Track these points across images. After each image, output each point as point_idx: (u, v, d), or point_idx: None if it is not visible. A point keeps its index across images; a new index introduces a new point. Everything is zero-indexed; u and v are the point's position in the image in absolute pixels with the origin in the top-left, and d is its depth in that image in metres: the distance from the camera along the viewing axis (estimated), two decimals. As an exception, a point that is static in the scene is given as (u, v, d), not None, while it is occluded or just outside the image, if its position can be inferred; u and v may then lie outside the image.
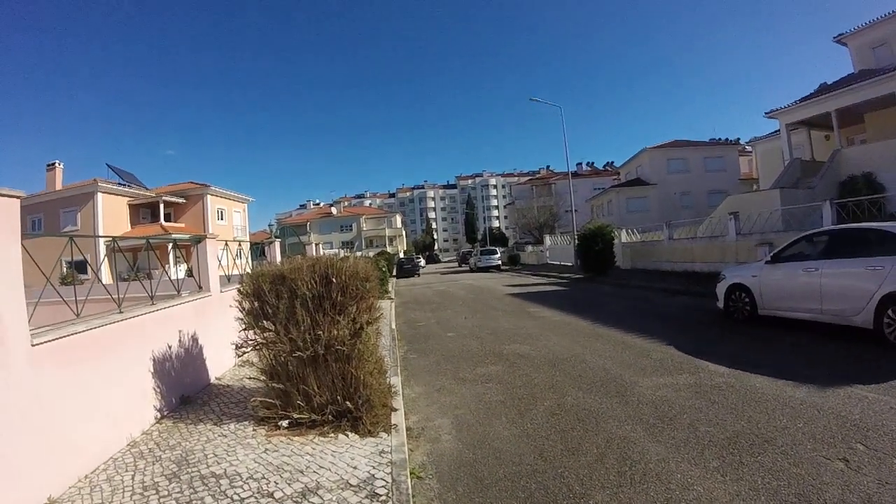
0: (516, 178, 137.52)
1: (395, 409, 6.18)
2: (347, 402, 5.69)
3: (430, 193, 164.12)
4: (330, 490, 4.19)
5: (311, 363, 5.75)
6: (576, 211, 37.88)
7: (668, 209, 44.97)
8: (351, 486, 4.26)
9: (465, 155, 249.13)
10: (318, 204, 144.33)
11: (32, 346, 4.38)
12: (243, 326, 6.24)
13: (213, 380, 8.33)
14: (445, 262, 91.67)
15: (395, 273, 45.30)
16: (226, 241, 10.95)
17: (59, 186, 42.63)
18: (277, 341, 5.81)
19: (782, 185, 26.18)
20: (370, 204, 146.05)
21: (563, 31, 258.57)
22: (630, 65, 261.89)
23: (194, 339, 7.83)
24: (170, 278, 8.87)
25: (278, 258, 15.02)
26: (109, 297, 6.40)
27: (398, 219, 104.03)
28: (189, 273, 10.44)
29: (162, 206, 44.67)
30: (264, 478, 4.49)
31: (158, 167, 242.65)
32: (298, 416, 5.72)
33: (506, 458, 4.99)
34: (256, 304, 6.11)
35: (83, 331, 5.20)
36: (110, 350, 5.67)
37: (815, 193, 23.52)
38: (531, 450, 5.12)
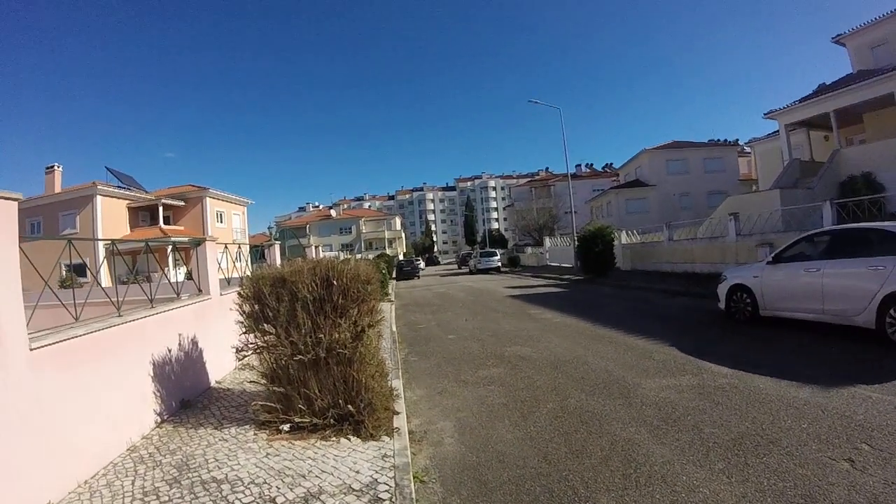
0: (515, 180, 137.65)
1: (397, 413, 6.14)
2: (349, 406, 5.65)
3: (430, 195, 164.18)
4: (333, 495, 4.16)
5: (313, 366, 5.72)
6: (575, 212, 37.78)
7: (668, 210, 44.95)
8: (354, 490, 4.23)
9: (464, 157, 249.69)
10: (317, 206, 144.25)
11: (31, 349, 4.35)
12: (244, 329, 6.20)
13: (213, 383, 8.29)
14: (445, 264, 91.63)
15: (394, 275, 45.33)
16: (225, 243, 10.91)
17: (58, 189, 42.54)
18: (278, 344, 5.78)
19: (782, 186, 26.17)
20: (369, 206, 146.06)
21: (563, 31, 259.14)
22: (629, 65, 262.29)
23: (194, 342, 7.80)
24: (169, 281, 8.83)
25: (278, 261, 14.99)
26: (108, 300, 6.36)
27: (397, 221, 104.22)
28: (189, 276, 10.40)
29: (161, 208, 44.60)
30: (266, 483, 4.45)
31: (158, 170, 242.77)
32: (300, 419, 5.68)
33: (509, 461, 4.95)
34: (257, 307, 6.08)
35: (82, 334, 5.17)
36: (110, 354, 5.64)
37: (814, 194, 23.51)
38: (535, 453, 5.08)
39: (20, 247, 4.43)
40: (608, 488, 4.19)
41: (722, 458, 4.54)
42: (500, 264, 46.81)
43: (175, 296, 8.31)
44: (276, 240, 29.83)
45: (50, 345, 4.63)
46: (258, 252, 17.42)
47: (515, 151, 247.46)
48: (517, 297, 20.71)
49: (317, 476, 4.54)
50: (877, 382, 6.22)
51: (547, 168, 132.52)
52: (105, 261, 25.94)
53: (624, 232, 32.13)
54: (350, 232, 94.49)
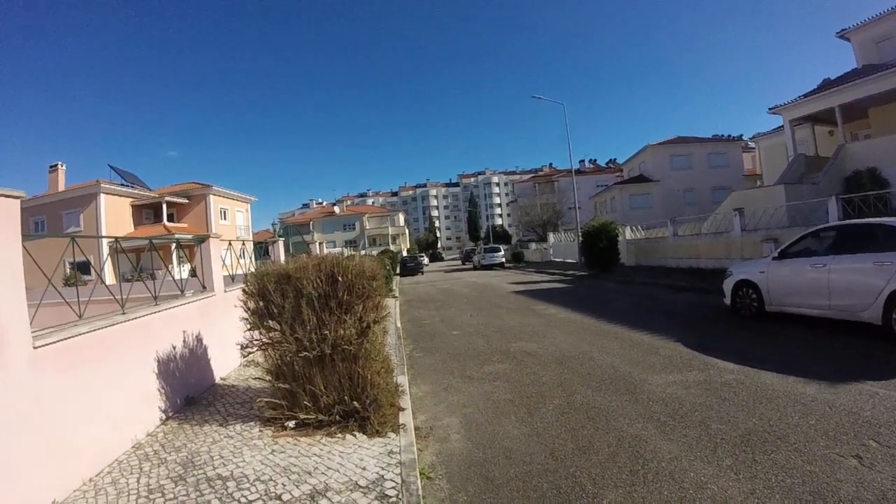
0: (519, 176, 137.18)
1: (403, 409, 6.13)
2: (355, 402, 5.63)
3: (433, 192, 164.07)
4: (339, 492, 4.14)
5: (318, 363, 5.70)
6: (579, 208, 37.73)
7: (672, 206, 44.79)
8: (360, 487, 4.21)
9: (467, 153, 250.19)
10: (320, 203, 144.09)
11: (34, 348, 4.34)
12: (248, 326, 6.18)
13: (217, 380, 8.28)
14: (449, 260, 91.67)
15: (398, 271, 45.34)
16: (229, 240, 10.91)
17: (61, 188, 42.63)
18: (283, 341, 5.77)
19: (787, 181, 26.06)
20: (373, 203, 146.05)
21: (564, 31, 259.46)
22: (631, 64, 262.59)
23: (199, 339, 7.79)
24: (173, 278, 8.83)
25: (282, 257, 14.99)
26: (113, 298, 6.35)
27: (401, 217, 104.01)
28: (193, 273, 10.40)
29: (165, 206, 44.68)
30: (272, 479, 4.44)
31: (161, 168, 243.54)
32: (305, 416, 5.67)
33: (516, 457, 4.94)
34: (261, 303, 6.06)
35: (86, 332, 5.16)
36: (114, 351, 5.63)
37: (819, 189, 23.41)
38: (542, 449, 5.07)
39: (23, 245, 4.41)
40: (616, 485, 4.17)
41: (730, 455, 4.52)
42: (503, 260, 46.76)
43: (179, 293, 8.30)
44: (279, 236, 29.80)
45: (53, 343, 4.62)
46: (262, 249, 17.43)
47: (518, 148, 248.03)
48: (521, 293, 20.66)
49: (323, 473, 4.53)
50: (884, 378, 6.18)
51: (550, 164, 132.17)
52: (109, 258, 25.94)
53: (628, 227, 32.06)
54: (354, 228, 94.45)
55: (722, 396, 6.07)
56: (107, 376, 5.42)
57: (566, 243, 44.76)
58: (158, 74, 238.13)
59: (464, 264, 61.68)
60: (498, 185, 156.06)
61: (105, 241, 32.75)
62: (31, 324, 4.43)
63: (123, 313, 6.13)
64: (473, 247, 72.79)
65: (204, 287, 9.10)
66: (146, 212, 45.59)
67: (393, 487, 4.17)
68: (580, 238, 29.30)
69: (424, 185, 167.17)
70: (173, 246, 30.02)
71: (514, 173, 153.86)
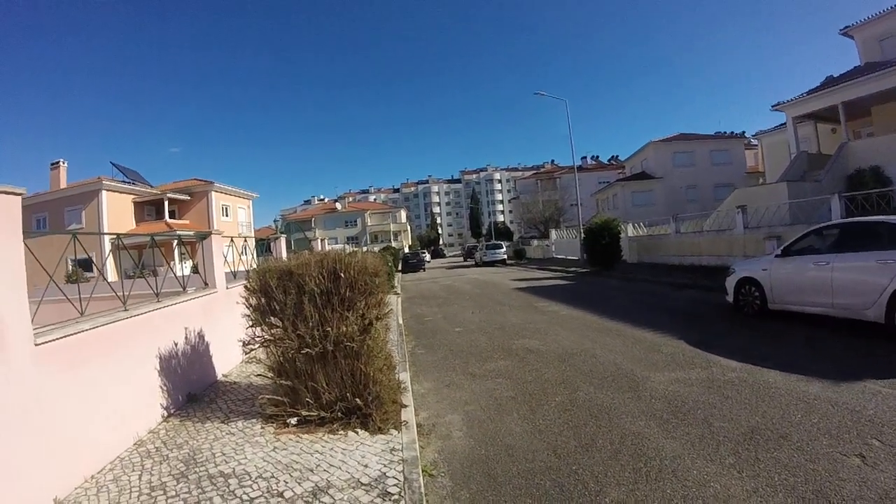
0: (521, 173, 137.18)
1: (405, 406, 6.12)
2: (357, 399, 5.63)
3: (435, 188, 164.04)
4: (341, 489, 4.14)
5: (320, 360, 5.70)
6: (581, 205, 37.66)
7: (674, 203, 44.72)
8: (362, 484, 4.21)
9: (469, 150, 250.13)
10: (322, 199, 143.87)
11: (36, 345, 4.34)
12: (250, 323, 6.18)
13: (219, 377, 8.29)
14: (450, 256, 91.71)
15: (400, 268, 45.38)
16: (231, 237, 10.90)
17: (63, 185, 42.66)
18: (285, 338, 5.76)
19: (789, 179, 25.98)
20: (375, 199, 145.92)
21: (564, 30, 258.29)
22: (633, 62, 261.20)
23: (201, 335, 7.79)
24: (175, 275, 8.83)
25: (284, 254, 14.99)
26: (114, 294, 6.35)
27: (403, 214, 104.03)
28: (195, 270, 10.40)
29: (167, 203, 44.71)
30: (274, 477, 4.44)
31: (163, 165, 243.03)
32: (307, 413, 5.67)
33: (519, 454, 4.93)
34: (263, 300, 6.05)
35: (87, 329, 5.16)
36: (115, 348, 5.63)
37: (822, 187, 23.35)
38: (544, 446, 5.06)
39: (24, 242, 4.41)
40: (618, 482, 4.16)
41: (732, 453, 4.51)
42: (505, 257, 46.82)
43: (181, 290, 8.30)
44: (281, 233, 29.80)
45: (55, 340, 4.62)
46: (264, 245, 17.43)
47: (520, 145, 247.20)
48: (523, 290, 20.65)
49: (325, 470, 4.53)
50: (887, 377, 6.16)
51: (552, 160, 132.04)
52: (111, 255, 25.92)
53: (630, 224, 32.03)
54: (355, 225, 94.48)
55: (725, 394, 6.06)
56: (109, 373, 5.42)
57: (568, 240, 44.76)
58: (160, 72, 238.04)
59: (465, 261, 61.76)
60: (500, 181, 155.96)
61: (107, 238, 32.77)
62: (32, 321, 4.43)
63: (125, 310, 6.13)
64: (475, 243, 72.67)
65: (206, 284, 9.10)
66: (148, 209, 45.61)
67: (395, 485, 4.17)
68: (582, 235, 29.24)
69: (426, 182, 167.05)
70: (175, 243, 30.04)
71: (516, 170, 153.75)
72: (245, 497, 4.11)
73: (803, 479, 3.94)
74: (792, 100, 29.15)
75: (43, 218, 41.04)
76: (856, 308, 8.39)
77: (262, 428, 5.77)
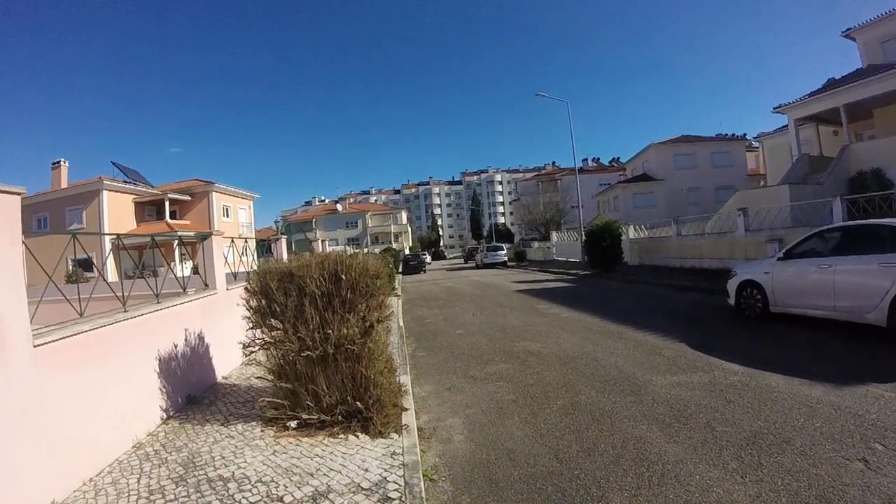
0: (522, 175, 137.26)
1: (406, 409, 6.09)
2: (357, 403, 5.60)
3: (436, 190, 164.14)
4: (341, 494, 4.11)
5: (321, 362, 5.67)
6: (582, 207, 37.65)
7: (675, 205, 44.70)
8: (363, 489, 4.18)
9: (469, 152, 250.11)
10: (323, 200, 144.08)
11: (34, 346, 4.31)
12: (250, 325, 6.15)
13: (219, 379, 8.26)
14: (451, 258, 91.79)
15: (400, 270, 45.41)
16: (231, 238, 10.88)
17: (64, 185, 42.66)
18: (286, 340, 5.73)
19: (791, 181, 26.00)
20: (375, 200, 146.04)
21: (564, 30, 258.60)
22: (633, 63, 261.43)
23: (200, 337, 7.77)
24: (175, 276, 8.80)
25: (285, 255, 14.97)
26: (114, 295, 6.33)
27: (404, 215, 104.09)
28: (195, 271, 10.38)
29: (167, 203, 44.70)
30: (273, 481, 4.41)
31: (164, 165, 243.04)
32: (307, 416, 5.64)
33: (520, 459, 4.90)
34: (264, 301, 6.03)
35: (87, 330, 5.13)
36: (115, 350, 5.61)
37: (823, 189, 23.35)
38: (546, 450, 5.03)
39: (23, 242, 4.39)
40: (621, 487, 4.13)
41: (735, 458, 4.48)
42: (506, 259, 46.76)
43: (181, 290, 8.28)
44: (282, 234, 29.79)
45: (53, 341, 4.60)
46: (265, 246, 17.42)
47: (521, 146, 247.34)
48: (524, 292, 20.62)
49: (325, 474, 4.50)
50: (889, 381, 6.15)
51: (553, 162, 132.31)
52: (111, 254, 25.94)
53: (631, 227, 32.00)
54: (356, 226, 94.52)
55: (727, 398, 6.03)
56: (108, 375, 5.40)
57: (569, 242, 44.74)
58: (160, 71, 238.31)
59: (466, 263, 61.68)
60: (501, 183, 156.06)
61: (107, 238, 32.77)
62: (31, 321, 4.40)
63: (125, 311, 6.11)
64: (476, 245, 72.67)
65: (206, 285, 9.07)
66: (149, 209, 45.60)
67: (396, 490, 4.13)
68: (583, 237, 29.22)
69: (427, 183, 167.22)
70: (175, 243, 30.05)
71: (517, 171, 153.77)
72: (244, 501, 4.08)
73: (806, 484, 3.92)
74: (793, 102, 29.16)
75: (44, 217, 41.02)
76: (858, 311, 8.38)
77: (262, 431, 5.74)
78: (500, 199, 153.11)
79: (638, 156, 57.06)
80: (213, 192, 47.24)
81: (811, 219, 19.20)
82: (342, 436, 5.44)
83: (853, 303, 8.46)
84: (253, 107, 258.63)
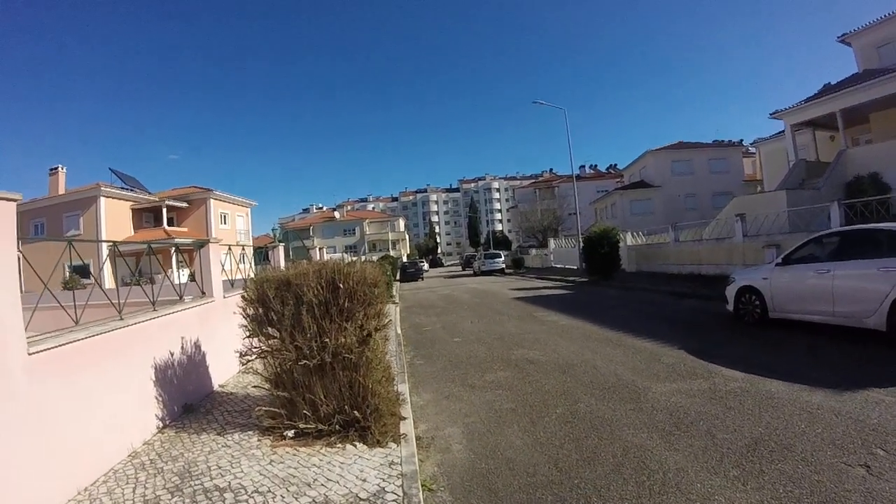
0: (519, 182, 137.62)
1: (404, 418, 6.04)
2: (355, 412, 5.56)
3: (433, 197, 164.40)
4: (339, 504, 4.06)
5: (318, 371, 5.62)
6: (580, 214, 37.67)
7: (673, 211, 44.81)
8: (361, 500, 4.13)
9: (467, 159, 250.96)
10: (321, 208, 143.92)
11: (29, 354, 4.27)
12: (247, 333, 6.11)
13: (216, 387, 8.21)
14: (449, 265, 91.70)
15: (398, 277, 45.37)
16: (229, 245, 10.85)
17: (62, 191, 42.64)
18: (283, 349, 5.69)
19: (788, 187, 26.05)
20: (373, 208, 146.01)
21: (563, 33, 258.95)
22: (631, 67, 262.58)
23: (197, 345, 7.72)
24: (172, 283, 8.76)
25: (282, 263, 14.93)
26: (110, 302, 6.28)
27: (401, 223, 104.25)
28: (192, 278, 10.34)
29: (165, 210, 44.70)
30: (270, 491, 4.36)
31: (162, 171, 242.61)
32: (304, 425, 5.59)
33: (519, 468, 4.85)
34: (261, 310, 5.98)
35: (82, 338, 5.09)
36: (111, 358, 5.56)
37: (820, 194, 23.36)
38: (545, 459, 4.99)
39: (19, 249, 4.35)
40: (622, 497, 4.09)
41: (736, 465, 4.45)
42: (504, 266, 46.67)
43: (178, 298, 8.24)
44: (279, 241, 29.79)
45: (49, 349, 4.55)
46: (262, 254, 17.38)
47: (519, 153, 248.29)
48: (522, 300, 20.61)
49: (322, 484, 4.44)
50: (890, 385, 6.13)
51: (551, 169, 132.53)
52: (107, 261, 26.00)
53: (629, 233, 32.07)
54: (354, 233, 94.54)
55: (727, 405, 6.00)
56: (103, 383, 5.35)
57: (567, 249, 44.78)
58: (159, 78, 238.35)
59: (464, 270, 61.72)
60: (498, 190, 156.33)
61: (105, 245, 32.72)
62: (26, 328, 4.36)
63: (121, 319, 6.07)
64: (474, 252, 72.80)
65: (203, 293, 9.03)
66: (146, 215, 45.63)
67: (394, 500, 4.09)
68: (581, 244, 29.24)
69: (425, 191, 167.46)
70: (173, 250, 30.02)
71: (514, 179, 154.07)
72: (241, 512, 4.03)
73: (808, 491, 3.88)
74: (790, 107, 29.23)
75: (41, 223, 40.98)
76: (857, 316, 8.37)
77: (259, 440, 5.69)
78: (497, 206, 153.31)
79: (635, 162, 57.18)
80: (211, 200, 47.29)
81: (809, 224, 19.24)
82: (340, 445, 5.39)
83: (852, 307, 8.45)
84: (251, 113, 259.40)
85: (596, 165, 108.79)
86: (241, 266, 10.85)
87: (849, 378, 6.57)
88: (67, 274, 28.59)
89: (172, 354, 6.90)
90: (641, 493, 4.13)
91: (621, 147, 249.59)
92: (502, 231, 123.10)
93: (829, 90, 27.95)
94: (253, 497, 4.27)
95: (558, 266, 45.02)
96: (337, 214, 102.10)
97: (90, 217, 40.00)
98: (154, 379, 6.34)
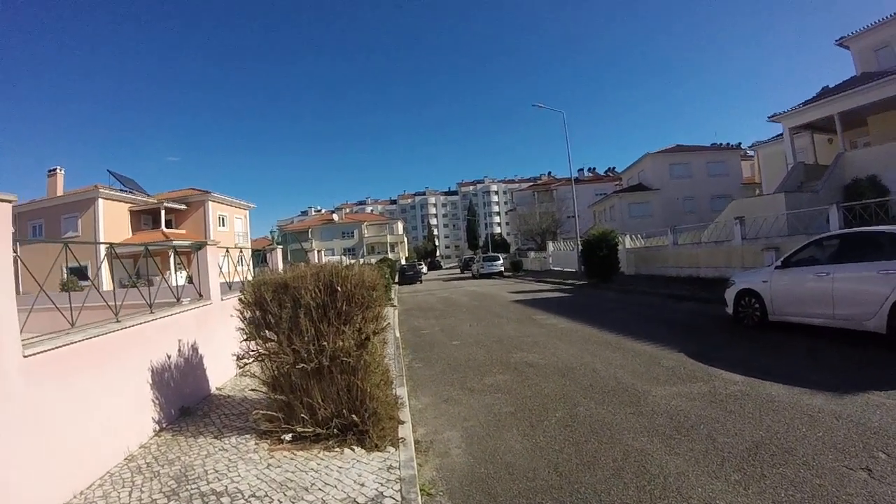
0: (518, 185, 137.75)
1: (403, 422, 6.00)
2: (353, 415, 5.52)
3: (432, 200, 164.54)
4: (336, 509, 4.02)
5: (316, 375, 5.59)
6: (578, 216, 37.70)
7: (671, 214, 44.88)
8: (358, 504, 4.09)
9: (466, 161, 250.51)
10: (319, 210, 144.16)
11: (24, 356, 4.23)
12: (244, 336, 6.07)
13: (213, 390, 8.18)
14: (447, 268, 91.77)
15: (397, 280, 45.39)
16: (227, 247, 10.81)
17: (60, 192, 42.51)
18: (280, 352, 5.65)
19: (787, 190, 26.06)
20: (372, 210, 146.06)
21: (563, 35, 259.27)
22: (630, 68, 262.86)
23: (194, 348, 7.69)
24: (169, 286, 8.72)
25: (280, 265, 14.91)
26: (106, 304, 6.24)
27: (400, 225, 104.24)
28: (189, 280, 10.30)
29: (163, 212, 44.61)
30: (267, 496, 4.32)
31: (161, 173, 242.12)
32: (302, 429, 5.55)
33: (519, 472, 4.82)
34: (258, 313, 5.95)
35: (78, 341, 5.05)
36: (107, 360, 5.52)
37: (819, 197, 23.39)
38: (545, 464, 4.95)
39: (17, 251, 4.31)
40: (623, 502, 4.06)
41: (737, 469, 4.42)
42: (502, 269, 46.74)
43: (175, 300, 8.20)
44: (278, 244, 29.72)
45: (44, 352, 4.52)
46: (260, 256, 17.35)
47: (517, 156, 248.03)
48: (521, 302, 20.59)
49: (320, 489, 4.40)
50: (890, 389, 6.11)
51: (549, 172, 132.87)
52: (104, 263, 25.90)
53: (628, 236, 32.09)
54: (352, 236, 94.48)
55: (728, 408, 5.97)
56: (100, 386, 5.31)
57: (565, 252, 44.76)
58: (158, 80, 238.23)
59: (462, 273, 61.80)
60: (497, 193, 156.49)
61: (103, 247, 32.68)
62: (22, 330, 4.33)
63: (118, 321, 6.03)
64: (472, 255, 72.76)
65: (200, 295, 8.99)
66: (144, 218, 45.53)
67: (392, 504, 4.05)
68: (580, 247, 29.26)
69: (423, 194, 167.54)
70: (171, 252, 29.96)
71: (512, 181, 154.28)
72: (237, 517, 3.99)
73: (810, 495, 3.86)
74: (788, 111, 29.28)
75: (39, 225, 40.87)
76: (857, 319, 8.35)
77: (256, 444, 5.65)
78: (496, 209, 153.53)
79: (633, 165, 57.26)
80: (210, 202, 47.24)
81: (808, 226, 19.27)
82: (338, 449, 5.35)
83: (852, 310, 8.43)
84: (250, 115, 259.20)
85: (594, 168, 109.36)
86: (240, 268, 10.81)
87: (849, 381, 6.55)
88: (65, 276, 28.54)
89: (169, 357, 6.87)
90: (642, 497, 4.09)
91: (620, 150, 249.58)
92: (501, 234, 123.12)
93: (827, 93, 27.98)
94: (250, 501, 4.23)
95: (557, 269, 45.00)
96: (335, 217, 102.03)
97: (88, 219, 39.91)
98: (151, 381, 6.30)
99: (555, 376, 8.22)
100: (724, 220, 25.08)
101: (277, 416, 5.72)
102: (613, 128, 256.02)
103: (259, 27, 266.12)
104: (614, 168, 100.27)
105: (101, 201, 40.32)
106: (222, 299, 9.28)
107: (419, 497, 4.24)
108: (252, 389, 7.08)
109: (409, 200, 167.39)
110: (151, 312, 6.88)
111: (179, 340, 7.28)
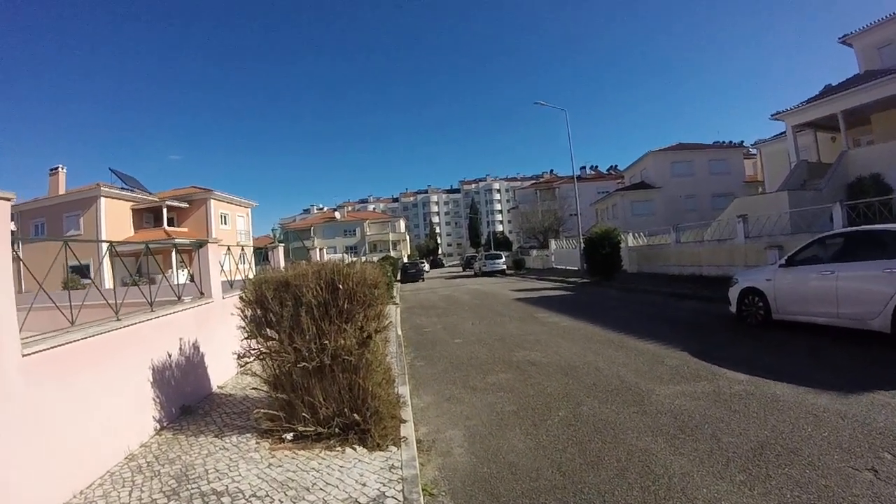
0: (520, 183, 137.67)
1: (405, 421, 5.97)
2: (355, 415, 5.49)
3: (434, 198, 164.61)
4: (338, 509, 3.99)
5: (317, 373, 5.56)
6: (580, 214, 37.61)
7: (673, 212, 44.76)
8: (360, 504, 4.06)
9: (468, 160, 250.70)
10: (321, 209, 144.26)
11: (24, 355, 4.21)
12: (245, 335, 6.04)
13: (214, 389, 8.16)
14: (449, 266, 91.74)
15: (399, 278, 45.40)
16: (228, 245, 10.79)
17: (62, 191, 42.56)
18: (281, 351, 5.63)
19: (790, 188, 25.97)
20: (374, 209, 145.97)
21: (563, 35, 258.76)
22: (631, 68, 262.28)
23: (195, 346, 7.67)
24: (170, 284, 8.69)
25: (282, 263, 14.88)
26: (106, 303, 6.22)
27: (402, 223, 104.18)
28: (191, 278, 10.28)
29: (165, 210, 44.69)
30: (268, 495, 4.29)
31: (163, 172, 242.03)
32: (303, 428, 5.52)
33: (522, 472, 4.79)
34: (259, 311, 5.92)
35: (78, 339, 5.03)
36: (107, 359, 5.50)
37: (822, 195, 23.31)
38: (548, 463, 4.92)
39: (18, 249, 4.28)
40: (627, 502, 4.03)
41: (742, 469, 4.39)
42: (504, 267, 46.71)
43: (176, 298, 8.17)
44: (280, 242, 29.73)
45: (43, 350, 4.50)
46: (262, 254, 17.34)
47: (520, 154, 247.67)
48: (524, 301, 20.56)
49: (321, 489, 4.38)
50: (895, 388, 6.06)
51: (552, 170, 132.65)
52: (107, 261, 25.89)
53: (630, 234, 32.06)
54: (354, 234, 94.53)
55: (732, 408, 5.94)
56: (100, 385, 5.29)
57: (568, 250, 44.77)
58: (160, 78, 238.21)
59: (464, 271, 61.71)
60: (499, 191, 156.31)
61: (105, 245, 32.70)
62: (22, 328, 4.31)
63: (118, 319, 6.00)
64: (474, 253, 72.70)
65: (201, 293, 8.97)
66: (146, 216, 45.59)
67: (394, 504, 4.02)
68: (582, 245, 29.19)
69: (425, 192, 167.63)
70: (172, 251, 29.94)
71: (515, 180, 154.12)
72: (238, 517, 3.97)
73: (816, 496, 3.83)
74: (791, 109, 29.18)
75: (41, 223, 40.93)
76: (861, 318, 8.32)
77: (257, 443, 5.62)
78: (498, 207, 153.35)
79: (636, 163, 57.16)
80: (212, 200, 47.28)
81: (811, 225, 19.21)
82: (339, 448, 5.32)
83: (856, 309, 8.40)
84: (252, 114, 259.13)
85: (597, 166, 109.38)
86: (241, 266, 10.79)
87: (854, 380, 6.52)
88: (67, 274, 28.53)
89: (170, 355, 6.85)
90: (647, 498, 4.06)
91: (622, 148, 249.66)
92: (503, 232, 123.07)
93: (830, 91, 27.89)
94: (251, 501, 4.21)
95: (559, 267, 45.00)
96: (337, 215, 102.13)
97: (90, 217, 39.96)
98: (151, 380, 6.28)
99: (557, 375, 8.19)
100: (726, 218, 24.99)
101: (279, 415, 5.69)
102: (614, 127, 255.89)
103: (259, 27, 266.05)
104: (616, 166, 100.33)
105: (102, 199, 40.37)
106: (224, 297, 9.25)
107: (421, 497, 4.21)
108: (253, 388, 7.06)
109: (412, 198, 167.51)
110: (152, 311, 6.85)
111: (180, 339, 7.26)
